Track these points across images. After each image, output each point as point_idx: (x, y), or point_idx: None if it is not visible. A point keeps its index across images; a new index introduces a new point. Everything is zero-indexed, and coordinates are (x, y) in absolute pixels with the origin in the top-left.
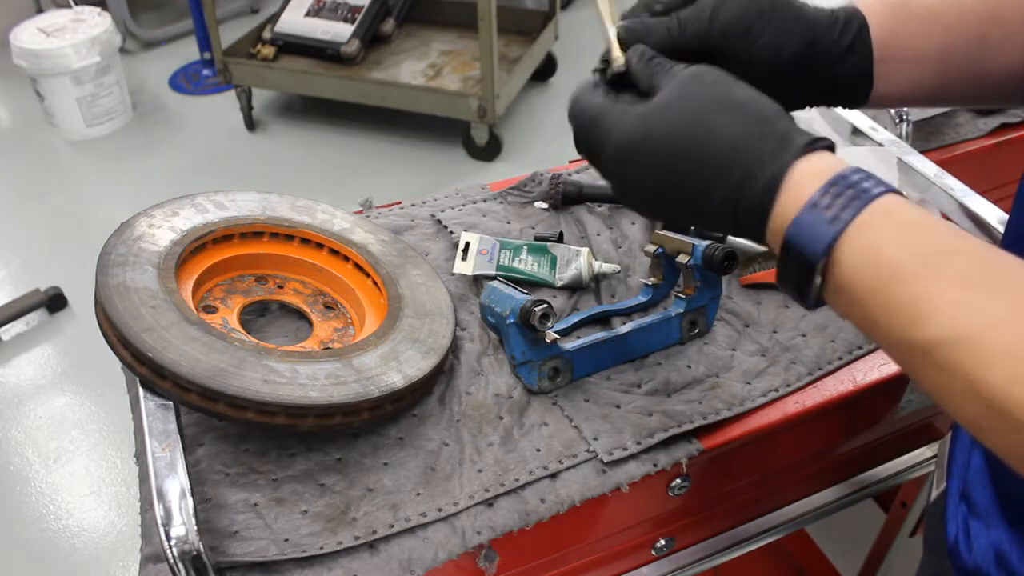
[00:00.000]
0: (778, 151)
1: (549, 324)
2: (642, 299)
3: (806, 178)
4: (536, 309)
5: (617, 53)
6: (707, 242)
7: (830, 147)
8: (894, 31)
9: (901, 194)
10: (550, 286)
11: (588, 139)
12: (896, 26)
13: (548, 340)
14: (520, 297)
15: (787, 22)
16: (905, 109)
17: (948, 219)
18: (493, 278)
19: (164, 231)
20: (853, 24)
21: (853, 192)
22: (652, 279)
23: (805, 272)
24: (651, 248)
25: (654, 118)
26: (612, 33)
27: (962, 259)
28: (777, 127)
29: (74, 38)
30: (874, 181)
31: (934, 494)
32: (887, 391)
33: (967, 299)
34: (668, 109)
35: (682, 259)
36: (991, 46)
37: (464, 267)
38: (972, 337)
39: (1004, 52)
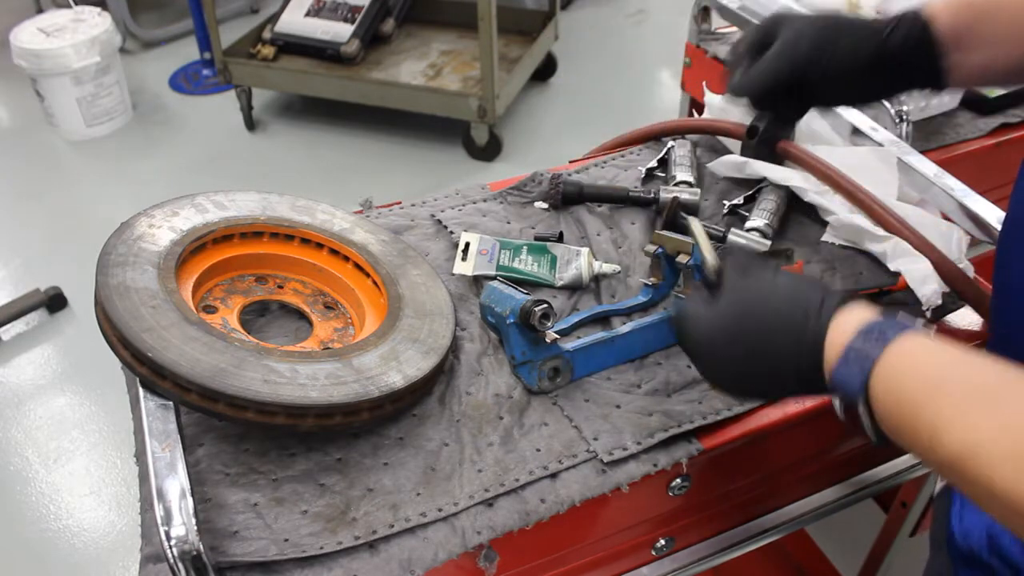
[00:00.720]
0: (817, 315)
1: (549, 324)
2: (642, 299)
3: (838, 333)
4: (536, 309)
5: (712, 263)
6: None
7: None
8: (956, 25)
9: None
10: (550, 286)
11: (682, 338)
12: (959, 20)
13: (548, 340)
14: (520, 297)
15: (854, 35)
16: (905, 109)
17: (948, 219)
18: (493, 278)
19: (164, 231)
20: (917, 25)
21: (877, 336)
22: (652, 279)
23: (852, 410)
24: (651, 248)
25: (724, 319)
26: (710, 254)
27: (965, 384)
28: (812, 300)
29: (74, 38)
30: (894, 323)
31: (937, 488)
32: None
33: (971, 419)
34: (731, 307)
35: (682, 259)
36: None
37: (464, 267)
38: (978, 448)
39: None
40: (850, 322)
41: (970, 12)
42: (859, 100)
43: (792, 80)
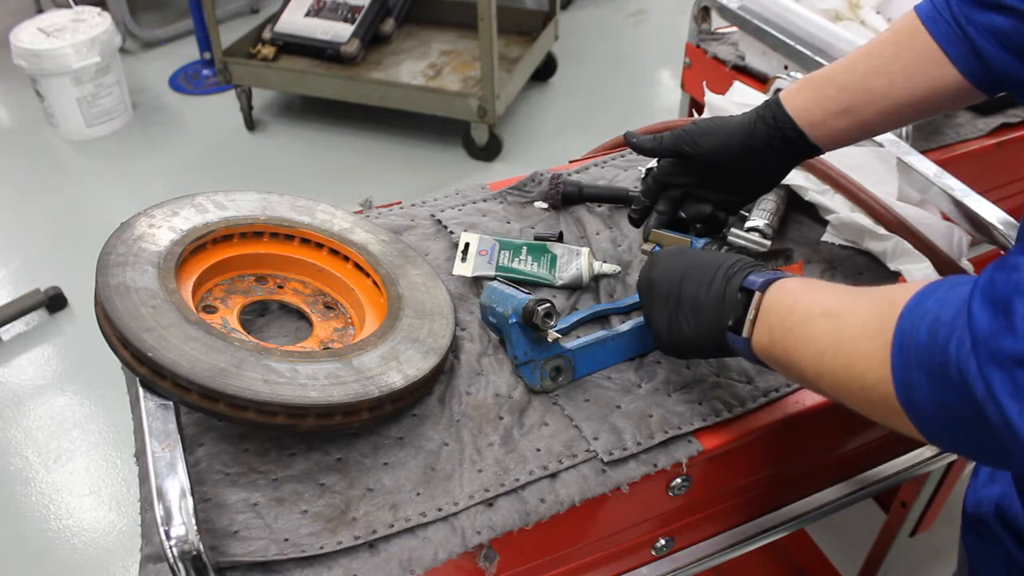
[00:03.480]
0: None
1: (552, 323)
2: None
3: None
4: (539, 308)
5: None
6: (705, 239)
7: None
8: (804, 104)
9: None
10: (550, 286)
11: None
12: (804, 100)
13: (550, 339)
14: (522, 297)
15: (723, 131)
16: None
17: (948, 219)
18: (492, 279)
19: (164, 231)
20: (772, 112)
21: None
22: None
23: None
24: (649, 247)
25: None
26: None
27: (820, 284)
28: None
29: (74, 38)
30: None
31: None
32: None
33: (811, 294)
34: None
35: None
36: (881, 91)
37: (463, 268)
38: (798, 304)
39: (894, 91)
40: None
41: (815, 101)
42: (761, 182)
43: (681, 140)
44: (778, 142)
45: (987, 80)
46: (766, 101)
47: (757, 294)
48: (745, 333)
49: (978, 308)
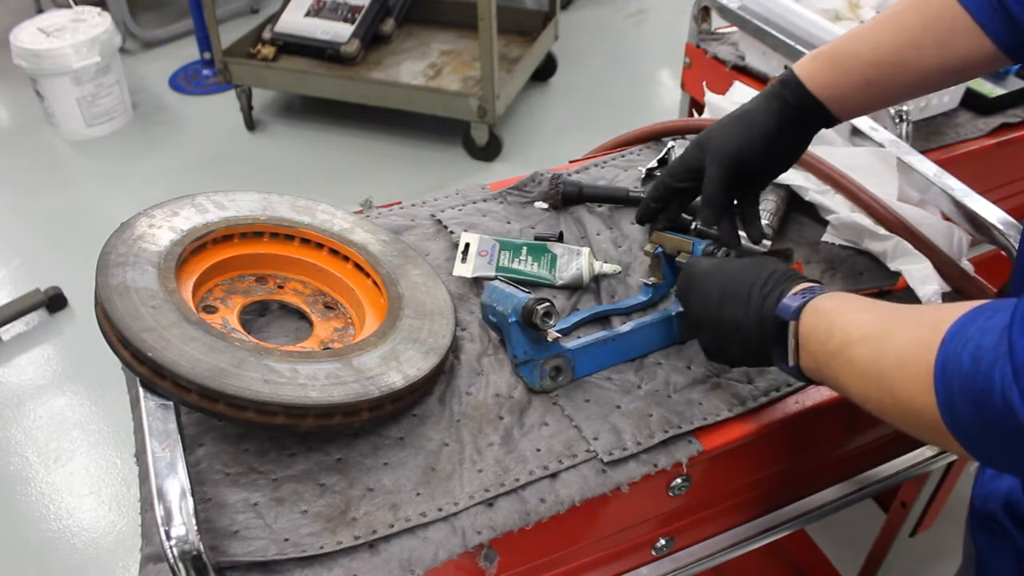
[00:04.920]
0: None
1: (551, 323)
2: (642, 299)
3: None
4: (539, 307)
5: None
6: (707, 241)
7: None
8: (827, 81)
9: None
10: (550, 286)
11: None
12: (827, 76)
13: (550, 339)
14: (522, 296)
15: (739, 129)
16: (905, 108)
17: (948, 219)
18: (493, 279)
19: (164, 231)
20: (792, 93)
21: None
22: (652, 279)
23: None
24: (651, 248)
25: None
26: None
27: (858, 301)
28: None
29: (74, 38)
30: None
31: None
32: None
33: (857, 317)
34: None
35: (682, 258)
36: (912, 64)
37: (463, 269)
38: (851, 329)
39: (924, 64)
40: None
41: (833, 71)
42: (781, 161)
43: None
44: (800, 125)
45: (1018, 45)
46: (781, 80)
47: (792, 323)
48: (791, 361)
49: (1018, 336)
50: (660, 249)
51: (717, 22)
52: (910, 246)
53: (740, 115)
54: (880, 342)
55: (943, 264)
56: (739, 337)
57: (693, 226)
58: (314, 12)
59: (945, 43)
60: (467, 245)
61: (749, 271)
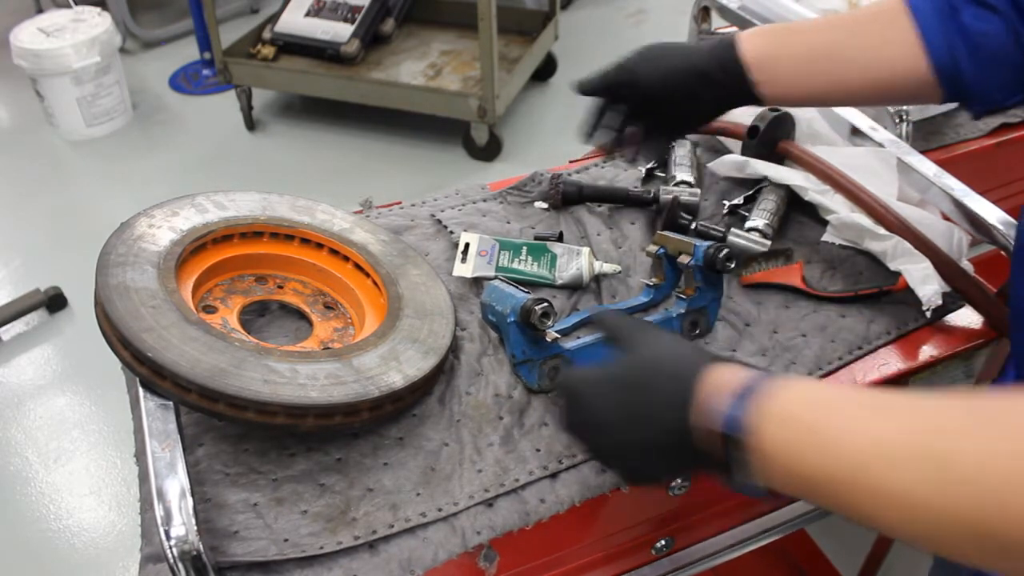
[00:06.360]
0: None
1: (549, 323)
2: (643, 299)
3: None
4: (537, 307)
5: None
6: (708, 242)
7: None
8: (757, 52)
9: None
10: (550, 285)
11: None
12: (760, 47)
13: (548, 339)
14: (521, 296)
15: (673, 59)
16: (905, 108)
17: (948, 219)
18: (492, 279)
19: (164, 231)
20: (724, 45)
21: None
22: (653, 279)
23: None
24: (653, 248)
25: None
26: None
27: (854, 402)
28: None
29: (74, 38)
30: (766, 375)
31: None
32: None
33: (872, 425)
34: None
35: (683, 259)
36: (844, 56)
37: (463, 269)
38: (880, 448)
39: (854, 68)
40: (723, 381)
41: (771, 40)
42: (694, 116)
43: (621, 79)
44: (721, 89)
45: (952, 80)
46: (721, 42)
47: (743, 438)
48: (757, 484)
49: None
50: (662, 250)
51: (717, 22)
52: (910, 246)
53: (668, 53)
54: (943, 470)
55: (943, 264)
56: (660, 459)
57: (693, 226)
58: (314, 12)
59: (882, 51)
60: (467, 245)
61: (645, 370)
